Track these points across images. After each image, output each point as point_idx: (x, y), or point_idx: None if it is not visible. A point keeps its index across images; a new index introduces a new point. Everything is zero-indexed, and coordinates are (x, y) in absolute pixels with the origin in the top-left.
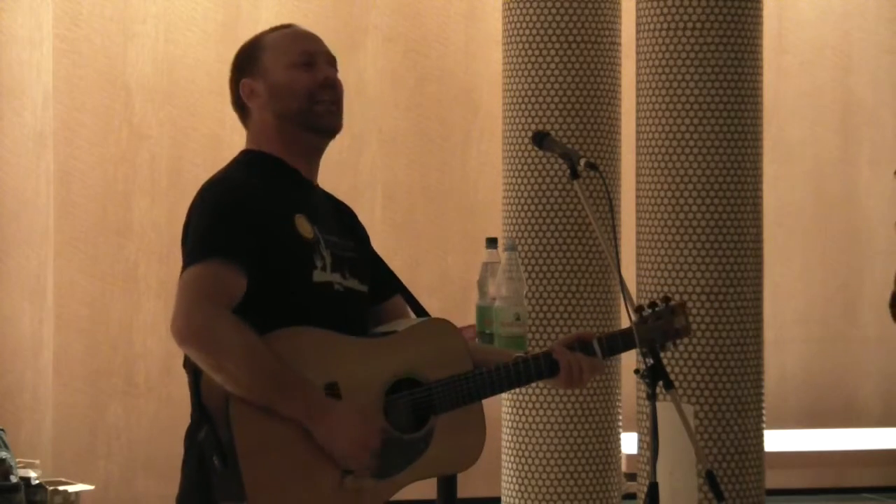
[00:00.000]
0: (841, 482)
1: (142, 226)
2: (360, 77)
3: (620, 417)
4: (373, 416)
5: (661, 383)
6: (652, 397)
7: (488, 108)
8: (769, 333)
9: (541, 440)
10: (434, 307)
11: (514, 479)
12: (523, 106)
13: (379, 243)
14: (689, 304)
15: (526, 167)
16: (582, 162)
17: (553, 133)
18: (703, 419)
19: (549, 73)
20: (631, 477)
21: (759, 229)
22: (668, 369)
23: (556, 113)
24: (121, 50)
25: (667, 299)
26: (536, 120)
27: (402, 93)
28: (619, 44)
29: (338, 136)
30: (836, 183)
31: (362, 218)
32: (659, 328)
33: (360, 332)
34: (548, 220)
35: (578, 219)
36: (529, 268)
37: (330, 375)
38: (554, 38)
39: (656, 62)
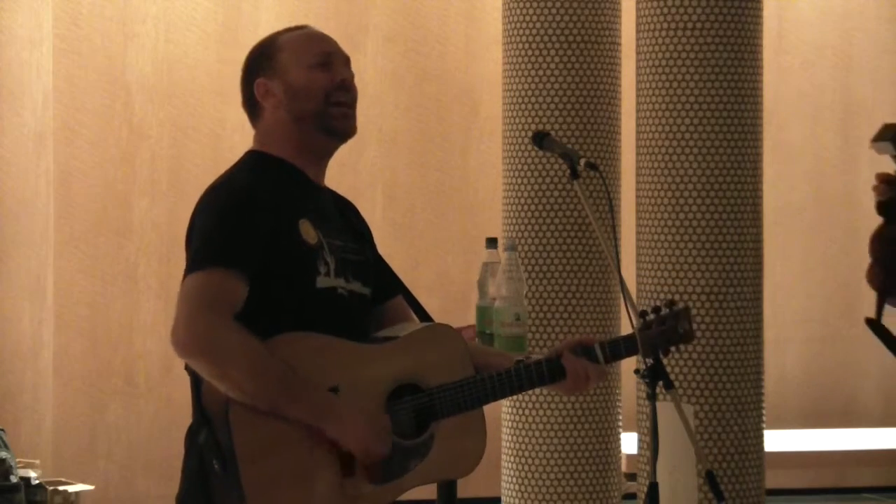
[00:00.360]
0: (841, 482)
1: (142, 226)
2: (360, 77)
3: (620, 417)
4: (377, 416)
5: (661, 383)
6: (652, 397)
7: (488, 108)
8: (769, 333)
9: (541, 440)
10: (434, 307)
11: (514, 479)
12: (523, 106)
13: (379, 243)
14: (689, 304)
15: (526, 167)
16: (582, 162)
17: (553, 133)
18: (703, 419)
19: (549, 73)
20: (631, 477)
21: (759, 229)
22: (668, 369)
23: (556, 113)
24: (121, 50)
25: (671, 303)
26: (536, 120)
27: (402, 93)
28: (619, 44)
29: None
30: (836, 183)
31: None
32: (662, 334)
33: (364, 335)
34: (548, 220)
35: (578, 219)
36: (529, 268)
37: (331, 381)
38: (554, 38)
39: (656, 62)
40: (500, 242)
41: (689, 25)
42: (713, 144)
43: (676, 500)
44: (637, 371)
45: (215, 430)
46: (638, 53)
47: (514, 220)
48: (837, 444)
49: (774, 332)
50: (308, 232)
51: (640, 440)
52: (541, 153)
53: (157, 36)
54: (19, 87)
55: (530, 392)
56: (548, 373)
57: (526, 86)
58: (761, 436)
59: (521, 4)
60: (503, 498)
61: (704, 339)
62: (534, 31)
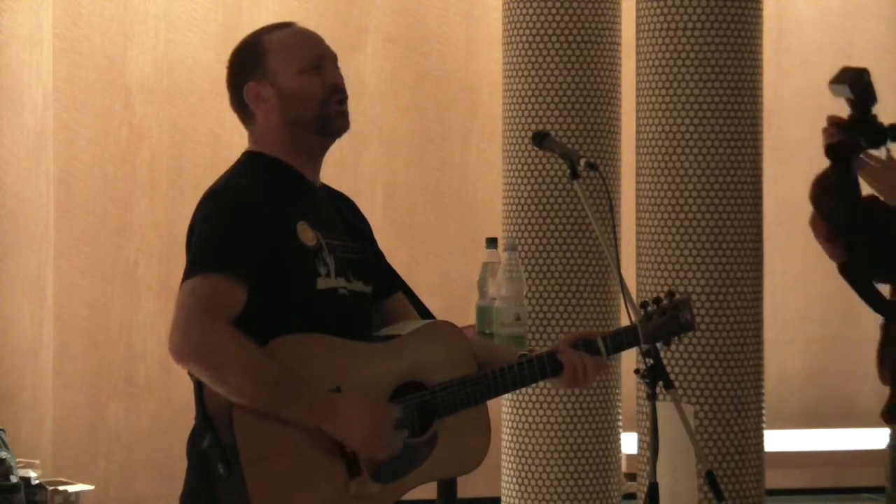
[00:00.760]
0: (841, 482)
1: (142, 226)
2: (360, 77)
3: (620, 417)
4: (380, 412)
5: (661, 383)
6: (652, 397)
7: (488, 108)
8: (769, 333)
9: (541, 440)
10: (434, 307)
11: (514, 479)
12: (523, 106)
13: (379, 243)
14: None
15: (526, 167)
16: (582, 162)
17: (553, 133)
18: (703, 419)
19: (549, 73)
20: (631, 477)
21: (759, 229)
22: (668, 369)
23: (556, 113)
24: (121, 50)
25: (671, 294)
26: (536, 120)
27: (402, 93)
28: (619, 44)
29: None
30: None
31: None
32: (664, 324)
33: (366, 334)
34: (548, 220)
35: (578, 219)
36: (529, 268)
37: (333, 381)
38: (554, 38)
39: (656, 62)
40: (500, 242)
41: (689, 25)
42: (713, 144)
43: (676, 500)
44: (637, 371)
45: (219, 433)
46: (638, 53)
47: (514, 220)
48: (837, 444)
49: (774, 332)
50: (306, 234)
51: (640, 440)
52: (541, 153)
53: (157, 36)
54: (19, 87)
55: (530, 392)
56: (549, 367)
57: (526, 86)
58: (761, 436)
59: (521, 4)
60: (503, 498)
61: (704, 339)
62: (534, 31)
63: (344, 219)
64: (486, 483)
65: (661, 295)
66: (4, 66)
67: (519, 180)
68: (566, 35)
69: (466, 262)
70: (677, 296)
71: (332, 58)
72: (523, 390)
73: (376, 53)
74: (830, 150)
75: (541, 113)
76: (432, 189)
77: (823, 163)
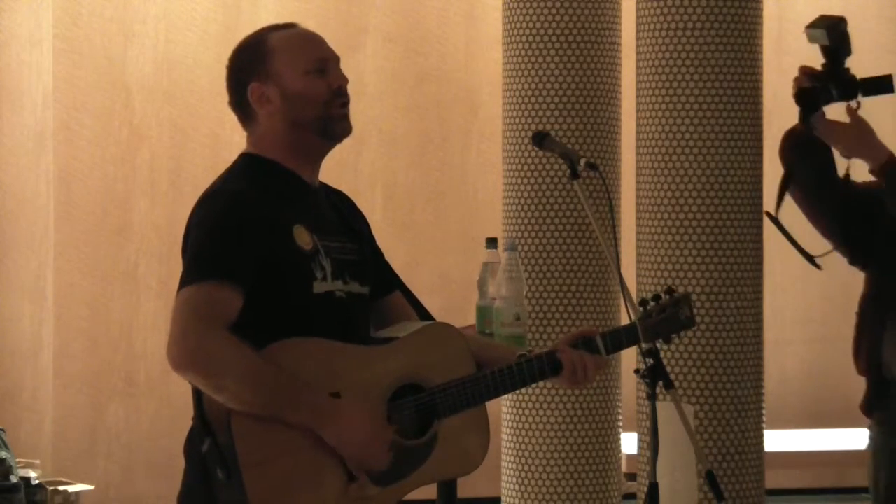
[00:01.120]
0: (841, 482)
1: (142, 226)
2: (360, 77)
3: (620, 417)
4: (378, 425)
5: (661, 383)
6: (652, 397)
7: (488, 108)
8: (769, 333)
9: (541, 440)
10: (434, 307)
11: (514, 479)
12: (523, 106)
13: (379, 243)
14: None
15: (526, 167)
16: (582, 162)
17: (553, 133)
18: (703, 419)
19: (549, 73)
20: (631, 477)
21: (759, 229)
22: (668, 369)
23: (556, 113)
24: (121, 50)
25: (670, 291)
26: (536, 120)
27: (402, 93)
28: (619, 44)
29: None
30: None
31: None
32: (663, 321)
33: (364, 336)
34: (548, 220)
35: (578, 219)
36: (529, 268)
37: (332, 385)
38: (554, 38)
39: (656, 62)
40: (500, 242)
41: (689, 25)
42: (713, 144)
43: (676, 500)
44: (637, 371)
45: (218, 438)
46: (638, 53)
47: (514, 220)
48: (837, 444)
49: (774, 332)
50: (303, 238)
51: (640, 440)
52: (541, 153)
53: (157, 36)
54: (19, 87)
55: (530, 392)
56: (548, 367)
57: (526, 86)
58: (761, 436)
59: (521, 4)
60: (503, 498)
61: (704, 339)
62: (534, 31)
63: (342, 219)
64: (486, 483)
65: (661, 292)
66: (4, 66)
67: (519, 180)
68: (566, 35)
69: (466, 262)
70: (676, 293)
71: (336, 59)
72: (523, 390)
73: (376, 53)
74: (802, 95)
75: (541, 113)
76: (432, 189)
77: None
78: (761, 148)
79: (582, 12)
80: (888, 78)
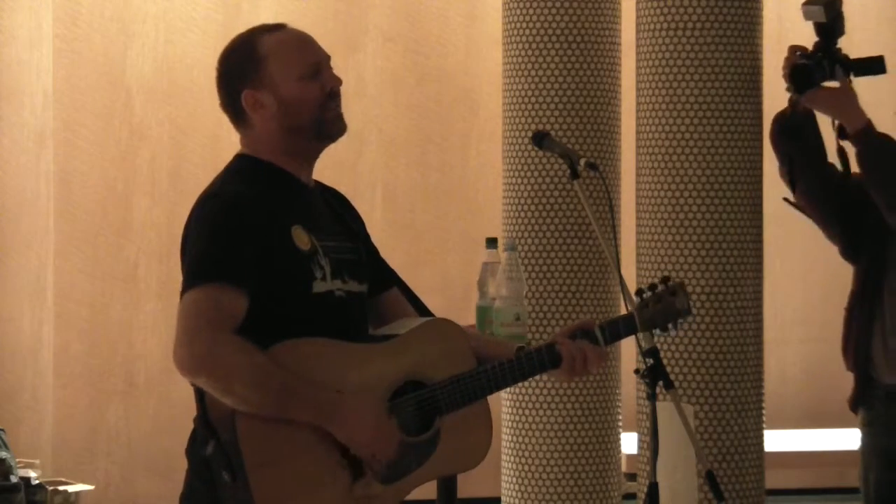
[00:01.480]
0: (841, 482)
1: (142, 226)
2: (360, 77)
3: (620, 417)
4: (383, 417)
5: (661, 383)
6: (652, 397)
7: (488, 108)
8: (769, 333)
9: (541, 440)
10: (435, 307)
11: (514, 479)
12: (523, 106)
13: (379, 243)
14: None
15: (526, 167)
16: (582, 162)
17: (553, 133)
18: (703, 419)
19: (549, 73)
20: (631, 477)
21: (759, 229)
22: (668, 369)
23: (556, 113)
24: (121, 50)
25: (665, 280)
26: (536, 120)
27: (402, 93)
28: (619, 44)
29: None
30: None
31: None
32: (660, 311)
33: (363, 334)
34: (548, 220)
35: (578, 219)
36: (529, 268)
37: (335, 384)
38: (554, 38)
39: (656, 62)
40: (500, 242)
41: (689, 25)
42: (713, 144)
43: (676, 500)
44: (637, 371)
45: (222, 439)
46: (638, 53)
47: (514, 220)
48: (837, 444)
49: (774, 332)
50: (301, 238)
51: (640, 440)
52: (541, 153)
53: (157, 36)
54: (19, 87)
55: (530, 392)
56: (547, 359)
57: (526, 86)
58: (761, 436)
59: (521, 4)
60: (503, 498)
61: (704, 339)
62: (534, 31)
63: (338, 218)
64: (486, 483)
65: (657, 281)
66: (4, 66)
67: (519, 180)
68: (566, 35)
69: (466, 262)
70: (672, 281)
71: (327, 59)
72: (523, 390)
73: (376, 53)
74: (796, 73)
75: (541, 113)
76: (432, 189)
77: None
78: (761, 148)
79: (582, 12)
80: (879, 58)
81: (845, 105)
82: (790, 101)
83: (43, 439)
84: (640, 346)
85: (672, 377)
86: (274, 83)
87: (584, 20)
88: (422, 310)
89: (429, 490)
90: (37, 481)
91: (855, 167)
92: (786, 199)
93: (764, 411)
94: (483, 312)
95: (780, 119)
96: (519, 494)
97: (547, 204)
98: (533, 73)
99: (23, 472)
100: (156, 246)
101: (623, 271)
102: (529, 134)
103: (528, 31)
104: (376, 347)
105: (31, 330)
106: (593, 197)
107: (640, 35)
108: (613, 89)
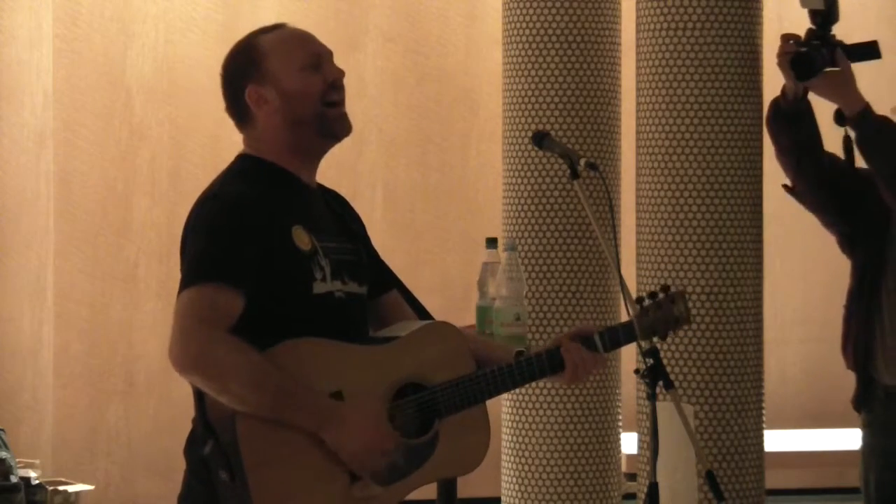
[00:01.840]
0: (841, 482)
1: (142, 226)
2: (360, 77)
3: (620, 417)
4: (382, 420)
5: (661, 383)
6: (652, 397)
7: (488, 108)
8: (769, 333)
9: (541, 440)
10: (434, 307)
11: (514, 479)
12: (523, 106)
13: (379, 243)
14: (689, 304)
15: (526, 167)
16: (582, 162)
17: (553, 133)
18: (703, 419)
19: (549, 73)
20: (631, 477)
21: (759, 229)
22: (668, 369)
23: (556, 113)
24: (121, 50)
25: (665, 288)
26: (536, 120)
27: (402, 93)
28: (619, 44)
29: None
30: None
31: (363, 219)
32: (659, 318)
33: (363, 335)
34: (548, 220)
35: (578, 219)
36: (529, 268)
37: (333, 385)
38: (554, 38)
39: (656, 62)
40: (500, 242)
41: (689, 25)
42: (713, 144)
43: (676, 500)
44: (637, 371)
45: (221, 440)
46: (638, 53)
47: (514, 220)
48: (837, 444)
49: (774, 332)
50: (301, 239)
51: (640, 440)
52: (541, 153)
53: (157, 36)
54: (19, 87)
55: (530, 392)
56: (548, 364)
57: (526, 86)
58: (761, 436)
59: (521, 4)
60: (503, 498)
61: (704, 339)
62: (534, 31)
63: (339, 219)
64: (486, 483)
65: (656, 289)
66: (4, 66)
67: (519, 180)
68: (566, 35)
69: (466, 262)
70: (672, 290)
71: (329, 54)
72: (523, 390)
73: (376, 53)
74: (799, 60)
75: (541, 113)
76: (432, 189)
77: None
78: (761, 148)
79: (582, 12)
80: (874, 44)
81: (843, 89)
82: (784, 88)
83: (43, 439)
84: (640, 346)
85: (672, 377)
86: (276, 77)
87: (584, 20)
88: (421, 312)
89: (429, 490)
90: (37, 481)
91: (859, 160)
92: (784, 186)
93: (764, 411)
94: (483, 312)
95: (776, 105)
96: (519, 494)
97: (547, 204)
98: (533, 73)
99: (23, 472)
100: (156, 246)
101: (623, 271)
102: (529, 134)
103: (528, 31)
104: (376, 349)
105: (31, 330)
106: (593, 197)
107: (640, 35)
108: (613, 89)
